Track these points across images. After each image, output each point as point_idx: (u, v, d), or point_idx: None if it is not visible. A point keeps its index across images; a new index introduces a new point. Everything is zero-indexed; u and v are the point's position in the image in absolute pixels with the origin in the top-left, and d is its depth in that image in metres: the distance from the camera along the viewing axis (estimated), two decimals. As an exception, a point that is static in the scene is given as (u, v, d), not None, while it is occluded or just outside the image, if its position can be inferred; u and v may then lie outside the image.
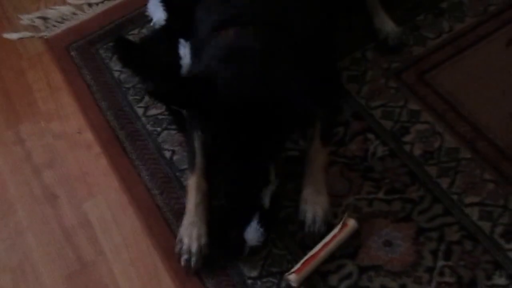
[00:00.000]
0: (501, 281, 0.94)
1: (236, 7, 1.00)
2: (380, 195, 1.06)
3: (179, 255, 0.98)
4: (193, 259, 0.97)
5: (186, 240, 0.98)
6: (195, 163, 1.04)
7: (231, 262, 0.99)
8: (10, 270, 1.07)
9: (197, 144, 1.06)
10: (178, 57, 1.17)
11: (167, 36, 1.23)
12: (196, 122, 1.06)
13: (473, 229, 1.00)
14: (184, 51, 1.22)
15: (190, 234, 0.99)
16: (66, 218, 1.12)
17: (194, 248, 0.97)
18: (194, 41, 1.10)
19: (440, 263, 0.97)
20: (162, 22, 1.26)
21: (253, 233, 0.96)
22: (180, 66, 1.17)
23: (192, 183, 1.03)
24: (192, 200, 1.02)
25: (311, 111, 0.91)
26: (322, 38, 1.10)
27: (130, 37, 1.37)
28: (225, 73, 0.89)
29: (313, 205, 1.00)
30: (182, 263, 0.98)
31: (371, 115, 1.16)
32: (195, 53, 1.08)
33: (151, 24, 1.32)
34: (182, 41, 1.22)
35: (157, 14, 1.28)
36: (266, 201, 0.96)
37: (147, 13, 1.35)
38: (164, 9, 1.26)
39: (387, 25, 1.25)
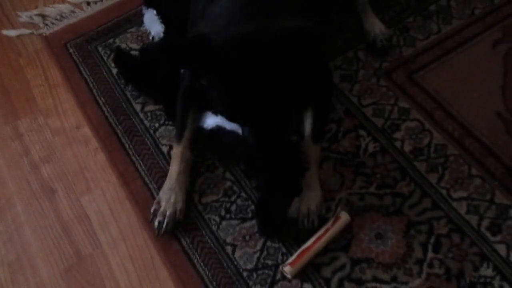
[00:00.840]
0: (488, 272, 0.96)
1: None
2: (372, 189, 1.07)
3: (153, 216, 1.02)
4: (166, 221, 1.00)
5: (163, 204, 1.02)
6: (184, 135, 1.07)
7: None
8: (8, 264, 1.05)
9: (189, 119, 1.08)
10: (178, 71, 1.17)
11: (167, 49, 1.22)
12: (190, 101, 1.07)
13: (461, 222, 1.01)
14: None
15: (168, 198, 1.02)
16: (64, 212, 1.11)
17: (168, 212, 1.01)
18: (191, 15, 1.07)
19: (430, 255, 0.98)
20: (161, 35, 1.25)
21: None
22: (179, 75, 1.16)
23: (177, 152, 1.06)
24: (175, 168, 1.05)
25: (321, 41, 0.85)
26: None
27: (128, 35, 1.36)
28: (223, 29, 0.86)
29: (306, 200, 1.01)
30: (155, 224, 1.01)
31: (362, 113, 1.17)
32: (192, 25, 1.06)
33: (150, 37, 1.30)
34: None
35: (155, 27, 1.27)
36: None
37: (144, 28, 1.33)
38: (161, 22, 1.26)
39: (376, 27, 1.26)
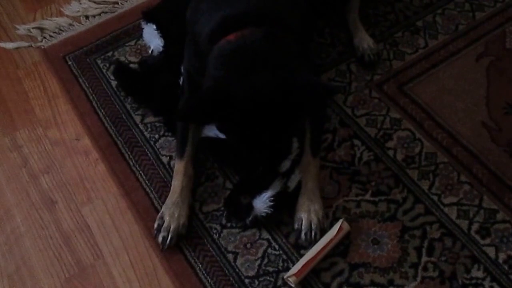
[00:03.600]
0: (479, 274, 0.98)
1: (230, 12, 0.98)
2: (367, 196, 1.09)
3: (157, 231, 1.01)
4: (170, 236, 1.00)
5: (167, 219, 1.02)
6: (186, 150, 1.08)
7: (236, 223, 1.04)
8: (8, 276, 1.03)
9: (190, 133, 1.09)
10: (178, 84, 1.18)
11: (166, 62, 1.23)
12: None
13: (452, 227, 1.04)
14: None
15: (172, 213, 1.02)
16: (65, 223, 1.09)
17: (173, 227, 1.01)
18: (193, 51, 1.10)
19: (424, 259, 1.00)
20: (160, 49, 1.26)
21: (261, 203, 1.00)
22: (179, 88, 1.18)
23: (180, 167, 1.07)
24: (178, 183, 1.05)
25: (320, 93, 0.92)
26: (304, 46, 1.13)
27: (127, 48, 1.36)
28: (238, 81, 0.89)
29: (308, 213, 1.02)
30: (159, 239, 1.01)
31: (356, 123, 1.20)
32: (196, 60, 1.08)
33: (149, 51, 1.30)
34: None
35: (154, 41, 1.28)
36: (292, 184, 1.03)
37: (143, 42, 1.33)
38: (161, 36, 1.26)
39: (364, 43, 1.30)
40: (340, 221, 1.02)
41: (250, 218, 1.02)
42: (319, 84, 0.97)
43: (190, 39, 1.11)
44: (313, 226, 1.01)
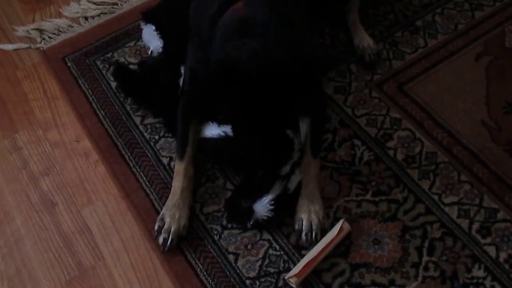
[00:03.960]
0: (480, 273, 0.98)
1: None
2: (368, 196, 1.08)
3: (158, 233, 1.00)
4: (171, 238, 0.99)
5: (167, 220, 1.01)
6: (186, 151, 1.07)
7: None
8: (8, 279, 1.02)
9: (190, 135, 1.08)
10: (178, 84, 1.17)
11: (166, 63, 1.22)
12: (191, 115, 1.08)
13: (453, 226, 1.04)
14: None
15: (173, 215, 1.01)
16: (65, 224, 1.09)
17: (173, 229, 1.00)
18: (193, 40, 1.08)
19: (425, 258, 1.00)
20: (160, 50, 1.25)
21: (262, 207, 0.99)
22: (178, 89, 1.16)
23: (180, 168, 1.06)
24: (178, 184, 1.04)
25: (329, 63, 0.91)
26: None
27: (126, 49, 1.36)
28: (244, 53, 0.87)
29: (308, 213, 1.02)
30: (160, 241, 1.00)
31: (357, 123, 1.20)
32: (198, 48, 1.06)
33: (149, 52, 1.30)
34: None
35: (154, 42, 1.27)
36: (292, 185, 1.02)
37: (143, 43, 1.33)
38: (160, 37, 1.26)
39: (364, 43, 1.29)
40: (341, 221, 1.01)
41: (251, 222, 1.01)
42: (329, 52, 0.95)
43: (195, 34, 1.09)
44: (314, 227, 1.01)
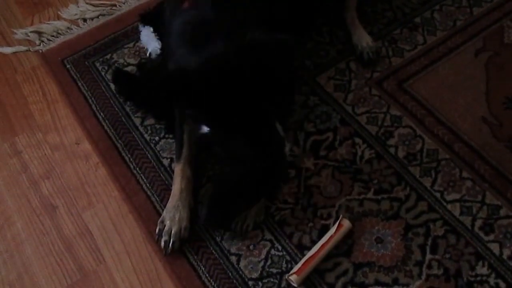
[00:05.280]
0: (483, 271, 0.96)
1: None
2: (370, 195, 1.06)
3: (159, 236, 0.98)
4: (172, 240, 0.97)
5: (168, 222, 0.99)
6: (182, 152, 1.05)
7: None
8: (9, 284, 0.99)
9: (185, 136, 1.06)
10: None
11: (164, 65, 1.20)
12: (185, 116, 1.06)
13: (456, 223, 1.02)
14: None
15: (173, 217, 0.99)
16: (66, 228, 1.06)
17: (174, 231, 0.98)
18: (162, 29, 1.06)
19: (428, 256, 0.98)
20: (158, 51, 1.22)
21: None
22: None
23: (178, 170, 1.04)
24: (177, 186, 1.02)
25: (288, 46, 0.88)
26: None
27: (125, 51, 1.33)
28: (191, 58, 0.86)
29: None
30: (161, 244, 0.98)
31: (357, 121, 1.17)
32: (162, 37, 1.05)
33: (147, 54, 1.27)
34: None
35: (152, 44, 1.24)
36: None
37: (141, 44, 1.30)
38: (158, 39, 1.23)
39: (363, 41, 1.27)
40: (340, 218, 0.99)
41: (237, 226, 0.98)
42: (273, 37, 0.89)
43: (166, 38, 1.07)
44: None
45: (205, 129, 1.04)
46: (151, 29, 1.26)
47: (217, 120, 0.91)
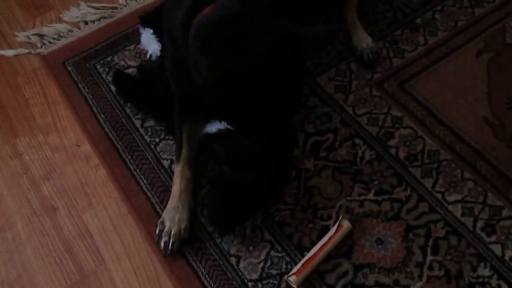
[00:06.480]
0: (485, 272, 0.95)
1: None
2: (370, 196, 1.06)
3: (159, 237, 0.99)
4: (172, 241, 0.97)
5: (167, 223, 0.99)
6: (181, 153, 1.05)
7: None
8: (8, 284, 1.00)
9: (185, 136, 1.06)
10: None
11: (164, 66, 1.20)
12: (185, 116, 1.06)
13: (457, 224, 1.01)
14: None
15: (172, 218, 0.99)
16: (66, 229, 1.07)
17: (174, 232, 0.98)
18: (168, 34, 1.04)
19: (429, 258, 0.97)
20: (158, 53, 1.23)
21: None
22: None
23: (177, 171, 1.04)
24: (177, 187, 1.02)
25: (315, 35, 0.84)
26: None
27: (126, 53, 1.34)
28: (233, 56, 0.82)
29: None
30: (161, 245, 0.98)
31: (357, 122, 1.17)
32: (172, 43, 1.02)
33: (147, 56, 1.28)
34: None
35: (152, 46, 1.25)
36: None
37: (141, 46, 1.31)
38: (158, 41, 1.24)
39: (363, 42, 1.27)
40: (340, 218, 0.99)
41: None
42: (317, 28, 0.85)
43: (167, 35, 1.04)
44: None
45: (211, 129, 1.04)
46: (151, 30, 1.27)
47: (243, 119, 0.88)
